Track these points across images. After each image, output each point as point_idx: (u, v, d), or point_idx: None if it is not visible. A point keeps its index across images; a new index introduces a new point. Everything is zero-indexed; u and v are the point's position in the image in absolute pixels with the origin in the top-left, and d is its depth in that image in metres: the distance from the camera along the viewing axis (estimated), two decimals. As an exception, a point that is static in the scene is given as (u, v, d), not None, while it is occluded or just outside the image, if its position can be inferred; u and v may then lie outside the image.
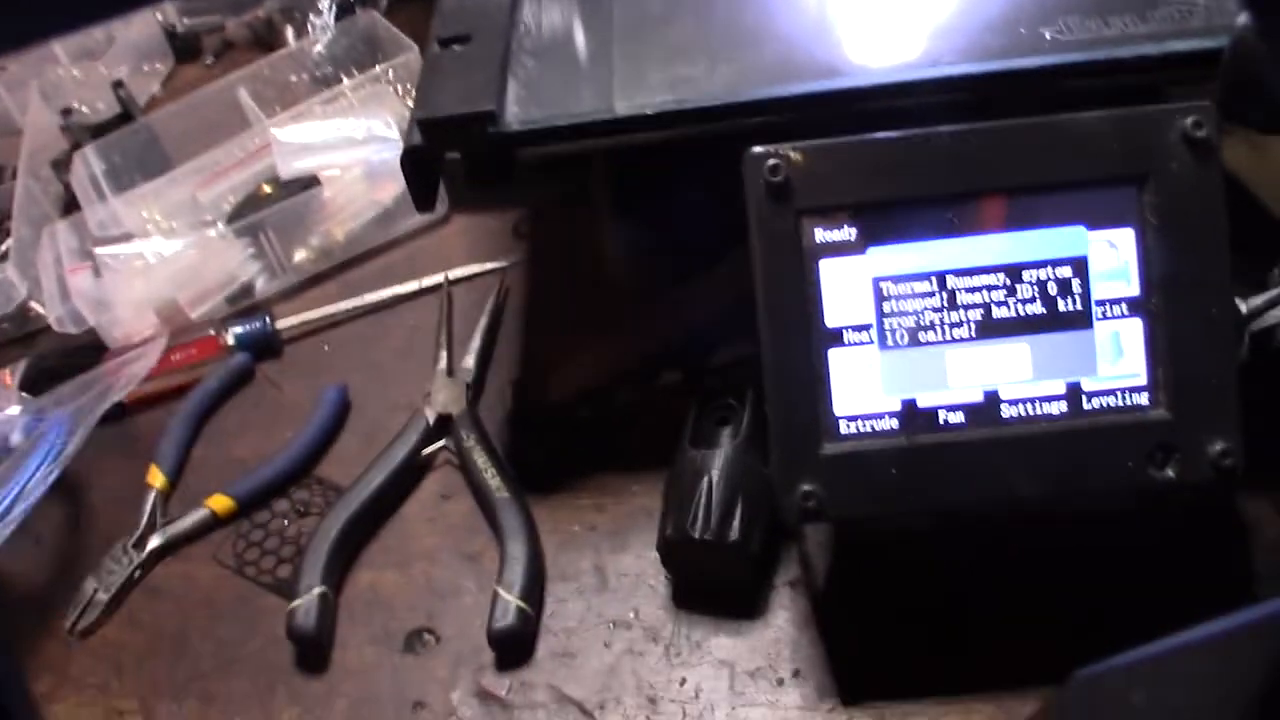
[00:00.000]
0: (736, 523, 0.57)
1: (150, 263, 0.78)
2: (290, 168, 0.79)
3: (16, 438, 0.68)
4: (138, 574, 0.66)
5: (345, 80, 0.88)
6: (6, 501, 0.61)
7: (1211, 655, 0.38)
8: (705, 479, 0.58)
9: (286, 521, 0.67)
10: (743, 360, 0.63)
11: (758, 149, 0.49)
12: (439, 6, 0.63)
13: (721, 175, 0.49)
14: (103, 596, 0.65)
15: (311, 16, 0.97)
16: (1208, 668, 0.38)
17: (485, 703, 0.58)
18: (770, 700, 0.56)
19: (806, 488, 0.49)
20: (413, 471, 0.67)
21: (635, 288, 0.70)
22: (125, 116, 0.93)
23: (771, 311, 0.49)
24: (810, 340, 0.49)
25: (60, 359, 0.78)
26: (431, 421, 0.67)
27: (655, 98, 0.54)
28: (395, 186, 0.80)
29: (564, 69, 0.57)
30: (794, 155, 0.49)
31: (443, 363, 0.71)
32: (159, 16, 1.04)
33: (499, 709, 0.57)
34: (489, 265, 0.77)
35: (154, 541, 0.67)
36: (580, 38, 0.59)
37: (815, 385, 0.49)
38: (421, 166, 0.55)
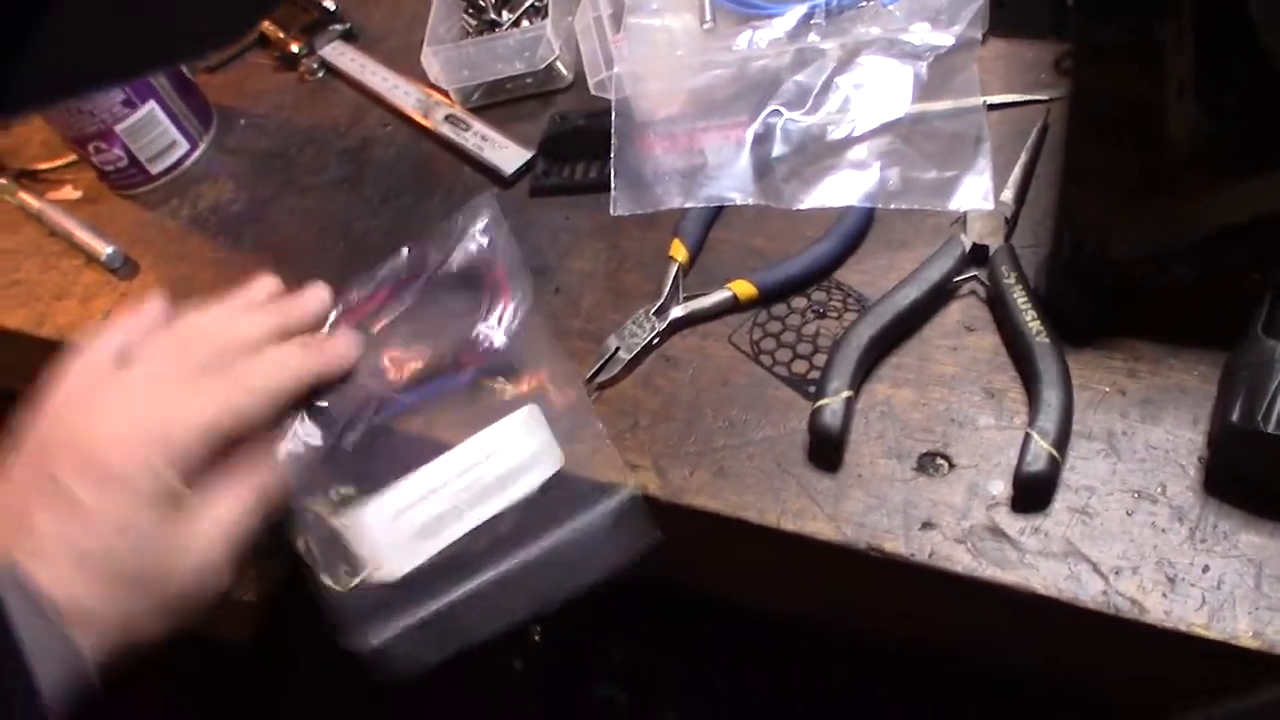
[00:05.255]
0: (1311, 425, 0.54)
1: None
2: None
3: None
4: (656, 340, 0.69)
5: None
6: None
7: None
8: (1281, 371, 0.55)
9: (803, 319, 0.68)
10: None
11: None
12: None
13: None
14: (624, 355, 0.68)
15: None
16: None
17: (997, 539, 0.58)
18: (1299, 610, 0.53)
19: None
20: (941, 296, 0.66)
21: (1202, 161, 0.65)
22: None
23: None
24: None
25: (585, 118, 0.81)
26: (967, 249, 0.66)
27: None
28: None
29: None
30: None
31: (980, 191, 0.69)
32: None
33: (1010, 548, 0.58)
34: (1029, 96, 0.74)
35: (675, 312, 0.69)
36: None
37: None
38: None
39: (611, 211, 0.73)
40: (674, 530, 0.63)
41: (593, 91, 0.76)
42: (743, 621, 0.96)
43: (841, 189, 0.67)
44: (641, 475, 0.64)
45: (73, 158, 1.00)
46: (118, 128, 0.91)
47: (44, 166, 1.02)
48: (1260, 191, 0.61)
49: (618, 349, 0.69)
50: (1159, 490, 0.58)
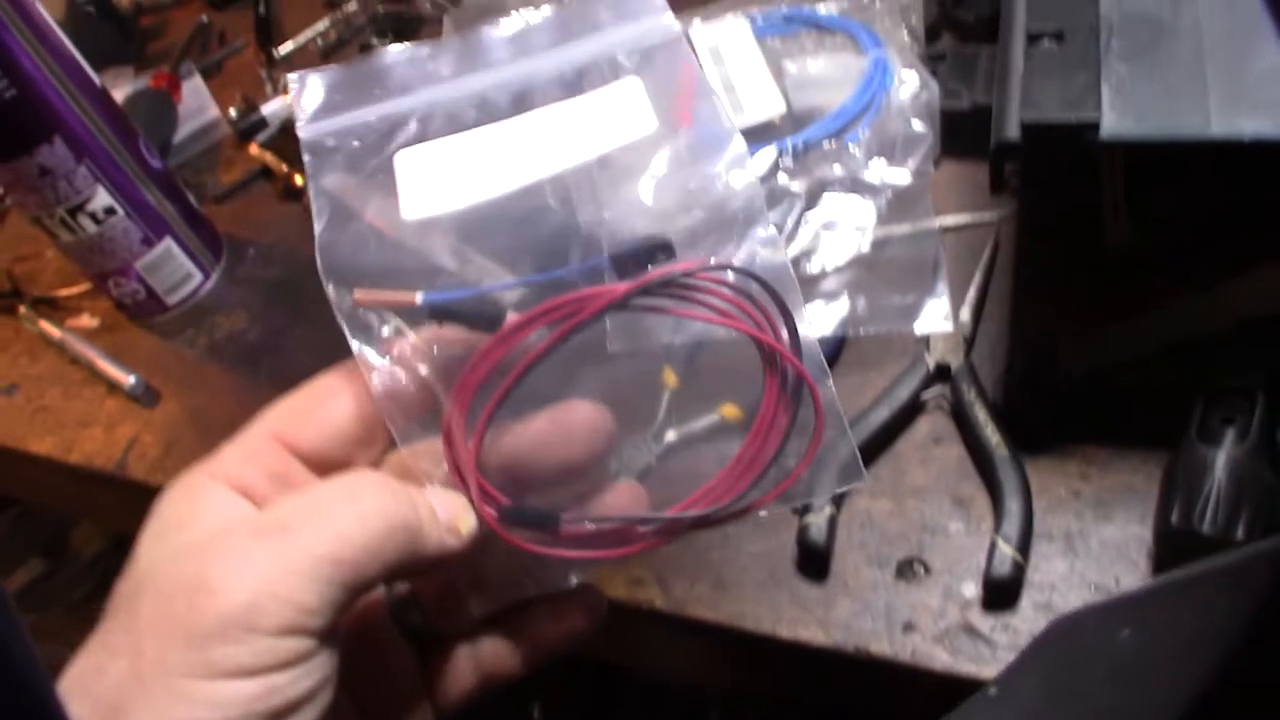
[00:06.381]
0: (1242, 524, 0.60)
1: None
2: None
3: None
4: (654, 462, 0.76)
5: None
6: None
7: (1195, 593, 0.39)
8: (1213, 475, 0.61)
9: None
10: (1257, 365, 0.66)
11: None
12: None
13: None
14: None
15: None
16: (1193, 604, 0.38)
17: (972, 637, 0.65)
18: (1241, 688, 0.60)
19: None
20: (911, 412, 0.73)
21: (1141, 277, 0.72)
22: None
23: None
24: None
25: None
26: (931, 368, 0.73)
27: (1255, 122, 0.56)
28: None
29: (1154, 78, 0.59)
30: None
31: (942, 312, 0.76)
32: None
33: (984, 645, 0.64)
34: (981, 217, 0.81)
35: (670, 436, 0.76)
36: (1169, 45, 0.61)
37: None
38: (1006, 156, 0.60)
39: (608, 349, 0.79)
40: (679, 639, 0.70)
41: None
42: (742, 705, 1.03)
43: (816, 319, 0.74)
44: (648, 590, 0.70)
45: (88, 285, 1.06)
46: (136, 264, 0.97)
47: (61, 294, 1.08)
48: (1192, 313, 0.69)
49: (619, 471, 0.75)
50: (1114, 583, 0.65)
